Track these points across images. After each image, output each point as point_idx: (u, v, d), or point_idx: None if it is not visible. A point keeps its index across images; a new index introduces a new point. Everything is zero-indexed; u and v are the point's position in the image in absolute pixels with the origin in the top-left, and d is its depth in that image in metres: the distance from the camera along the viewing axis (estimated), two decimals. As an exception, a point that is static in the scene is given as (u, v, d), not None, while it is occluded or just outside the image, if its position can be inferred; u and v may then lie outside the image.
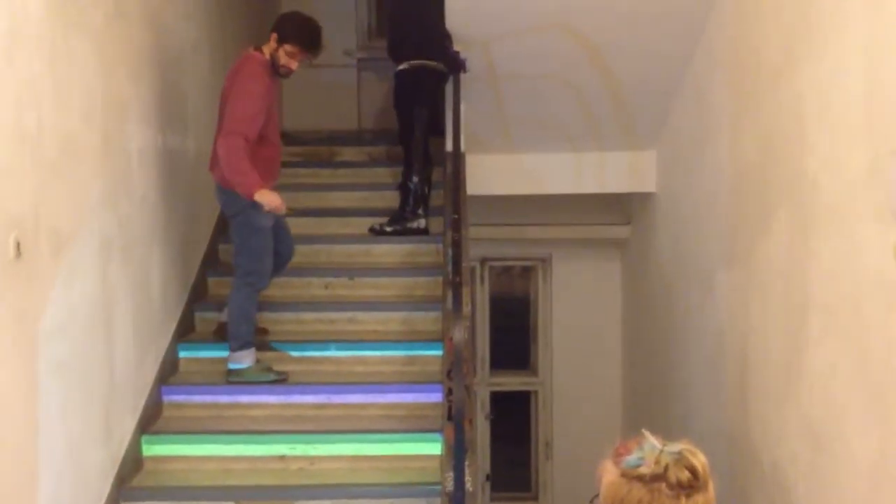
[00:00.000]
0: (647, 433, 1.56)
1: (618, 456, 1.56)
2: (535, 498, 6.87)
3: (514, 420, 6.99)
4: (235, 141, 3.79)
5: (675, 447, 1.53)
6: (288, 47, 3.91)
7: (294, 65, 3.97)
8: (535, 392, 6.93)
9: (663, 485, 1.48)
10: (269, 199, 3.87)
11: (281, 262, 4.26)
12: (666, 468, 1.49)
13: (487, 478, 6.72)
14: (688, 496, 1.48)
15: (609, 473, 1.56)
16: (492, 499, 6.77)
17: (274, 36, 3.93)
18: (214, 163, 4.01)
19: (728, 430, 4.11)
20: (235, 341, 4.02)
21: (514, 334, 7.12)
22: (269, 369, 4.10)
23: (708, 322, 4.43)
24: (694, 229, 4.73)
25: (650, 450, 1.52)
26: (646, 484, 1.49)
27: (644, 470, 1.50)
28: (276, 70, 3.97)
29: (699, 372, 4.62)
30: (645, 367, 5.98)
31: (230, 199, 3.97)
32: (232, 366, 4.04)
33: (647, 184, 5.54)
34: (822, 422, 3.11)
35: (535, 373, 6.96)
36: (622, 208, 6.38)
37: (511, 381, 7.01)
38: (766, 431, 3.64)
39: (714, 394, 4.33)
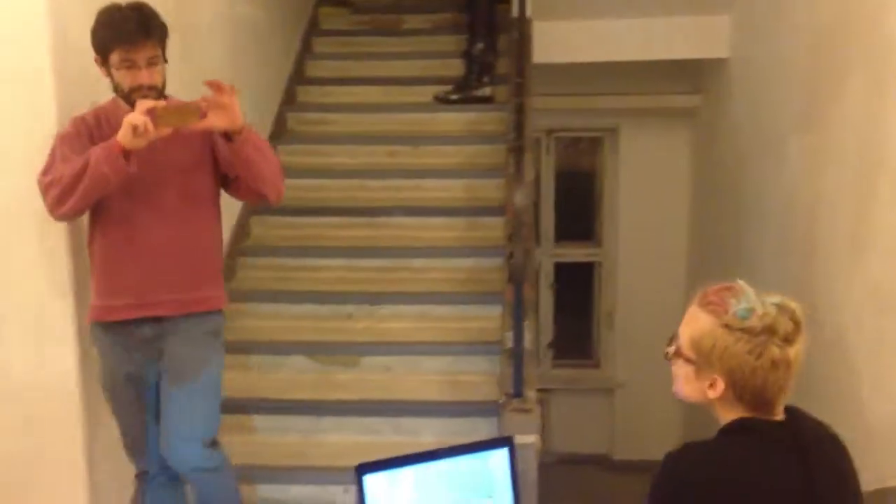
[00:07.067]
0: (742, 283, 1.51)
1: (710, 304, 1.50)
2: (597, 365, 7.01)
3: (577, 291, 7.06)
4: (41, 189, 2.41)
5: (775, 298, 1.49)
6: (102, 59, 2.44)
7: (141, 75, 2.39)
8: (599, 263, 6.97)
9: (773, 337, 1.45)
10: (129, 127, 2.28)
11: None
12: (775, 320, 1.46)
13: (550, 345, 6.87)
14: (791, 346, 1.47)
15: (702, 321, 1.50)
16: (554, 366, 6.94)
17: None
18: None
19: (794, 296, 4.10)
20: None
21: (579, 207, 7.11)
22: None
23: (778, 189, 4.37)
24: (768, 95, 4.59)
25: (757, 303, 1.47)
26: (754, 336, 1.45)
27: (754, 322, 1.46)
28: (126, 100, 2.44)
29: (767, 240, 4.58)
30: (712, 238, 5.94)
31: None
32: None
33: (719, 49, 5.36)
34: (887, 287, 3.09)
35: (599, 244, 6.98)
36: (692, 76, 6.20)
37: (575, 253, 7.05)
38: (831, 297, 3.63)
39: (781, 261, 4.31)
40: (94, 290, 2.53)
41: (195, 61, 3.69)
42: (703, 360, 1.50)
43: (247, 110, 4.26)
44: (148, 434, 2.62)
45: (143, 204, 2.47)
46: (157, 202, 2.49)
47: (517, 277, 3.21)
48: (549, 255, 6.89)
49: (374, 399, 3.57)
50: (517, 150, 3.65)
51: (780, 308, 1.47)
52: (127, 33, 2.35)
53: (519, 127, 3.81)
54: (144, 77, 2.39)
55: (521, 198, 3.39)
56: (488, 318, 3.81)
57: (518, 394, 3.14)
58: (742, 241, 5.08)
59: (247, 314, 3.95)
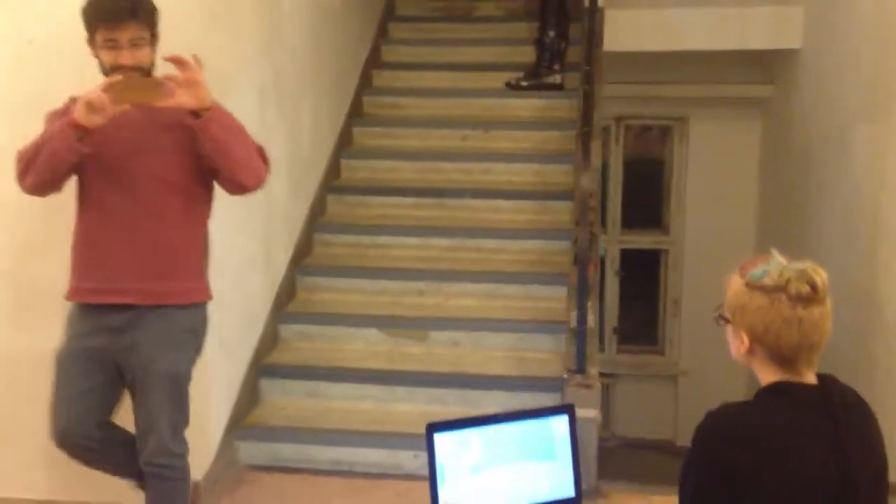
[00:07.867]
0: (774, 251, 1.64)
1: (744, 269, 1.64)
2: (662, 352, 7.06)
3: (644, 278, 7.11)
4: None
5: (800, 264, 1.59)
6: (91, 40, 2.37)
7: (123, 56, 2.31)
8: (666, 250, 7.02)
9: (783, 295, 1.56)
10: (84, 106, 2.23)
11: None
12: (787, 281, 1.56)
13: (615, 331, 6.96)
14: (805, 307, 1.55)
15: (735, 284, 1.64)
16: (619, 351, 7.02)
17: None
18: None
19: (856, 281, 4.13)
20: None
21: (647, 195, 7.15)
22: None
23: (845, 178, 4.39)
24: (837, 85, 4.61)
25: (775, 265, 1.60)
26: (767, 294, 1.57)
27: (767, 281, 1.58)
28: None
29: (833, 228, 4.61)
30: (779, 227, 5.95)
31: None
32: None
33: (792, 40, 5.36)
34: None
35: (666, 232, 7.02)
36: (764, 66, 6.19)
37: (642, 240, 7.10)
38: (893, 284, 3.67)
39: (846, 249, 4.34)
40: (70, 269, 2.47)
41: (281, 47, 3.90)
42: (733, 317, 1.65)
43: (326, 94, 4.51)
44: (69, 411, 2.42)
45: (117, 189, 2.38)
46: (131, 188, 2.38)
47: (581, 259, 3.34)
48: (616, 241, 6.97)
49: (443, 372, 3.74)
50: (584, 137, 3.75)
51: (800, 272, 1.57)
52: (111, 13, 2.29)
53: (586, 114, 3.91)
54: (126, 57, 2.31)
55: (586, 182, 3.50)
56: (555, 299, 3.94)
57: (580, 370, 3.28)
58: (809, 230, 5.10)
59: (323, 288, 4.17)
